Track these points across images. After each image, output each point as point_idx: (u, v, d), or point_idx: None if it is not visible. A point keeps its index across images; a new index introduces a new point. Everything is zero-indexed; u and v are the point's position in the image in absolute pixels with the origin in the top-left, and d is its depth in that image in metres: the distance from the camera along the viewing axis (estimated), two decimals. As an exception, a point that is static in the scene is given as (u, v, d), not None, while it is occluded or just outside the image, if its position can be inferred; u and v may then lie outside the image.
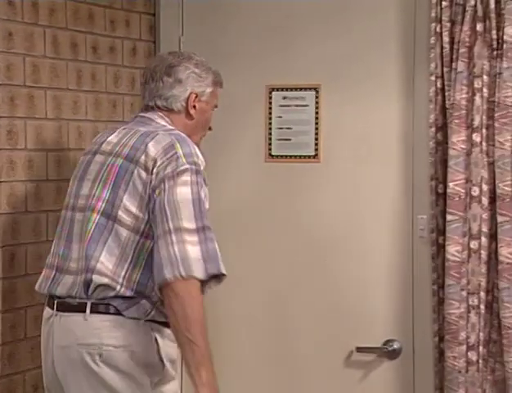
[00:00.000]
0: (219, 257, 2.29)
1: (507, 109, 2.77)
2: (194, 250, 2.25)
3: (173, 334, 2.28)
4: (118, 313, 2.32)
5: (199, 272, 2.24)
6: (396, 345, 3.02)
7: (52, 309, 2.40)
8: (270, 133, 3.17)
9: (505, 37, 2.75)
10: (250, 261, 3.18)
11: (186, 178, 2.31)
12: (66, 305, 2.37)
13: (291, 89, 3.14)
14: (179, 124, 2.48)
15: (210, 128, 2.59)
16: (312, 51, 3.11)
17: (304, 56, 3.12)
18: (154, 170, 2.33)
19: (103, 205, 2.37)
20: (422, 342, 2.98)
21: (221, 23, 3.21)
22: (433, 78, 2.89)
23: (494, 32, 2.78)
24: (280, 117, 3.16)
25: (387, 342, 3.03)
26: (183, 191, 2.29)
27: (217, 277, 2.30)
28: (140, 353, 2.32)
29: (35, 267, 2.80)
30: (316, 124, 3.12)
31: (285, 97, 3.15)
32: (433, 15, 2.88)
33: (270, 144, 3.17)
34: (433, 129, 2.91)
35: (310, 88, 3.12)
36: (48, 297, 2.44)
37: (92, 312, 2.33)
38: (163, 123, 2.47)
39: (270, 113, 3.16)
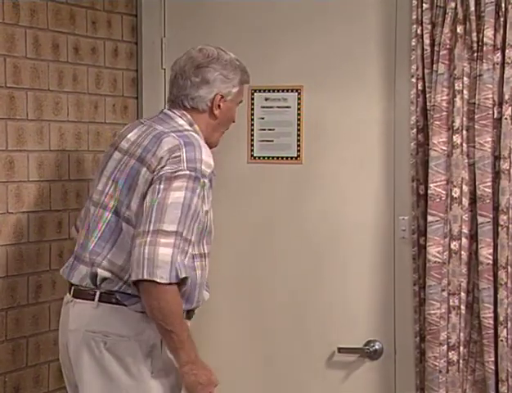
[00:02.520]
0: (185, 265, 2.33)
1: (487, 110, 2.78)
2: (165, 252, 2.31)
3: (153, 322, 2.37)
4: (124, 304, 2.42)
5: (162, 275, 2.30)
6: (377, 346, 3.04)
7: (70, 294, 2.52)
8: (252, 135, 3.18)
9: (485, 39, 2.77)
10: (232, 262, 3.18)
11: (182, 183, 2.36)
12: (80, 292, 2.48)
13: (273, 90, 3.15)
14: (201, 123, 2.54)
15: (233, 121, 2.63)
16: (294, 53, 3.11)
17: (286, 58, 3.12)
18: (157, 169, 2.40)
19: (115, 204, 2.47)
20: (403, 343, 2.99)
21: (203, 24, 3.21)
22: (414, 80, 2.90)
23: (474, 34, 2.80)
24: (263, 118, 3.17)
25: (368, 343, 3.04)
26: (176, 196, 2.35)
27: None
28: (143, 343, 2.40)
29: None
30: (298, 125, 3.13)
31: (267, 99, 3.15)
32: (413, 17, 2.89)
33: (252, 145, 3.18)
34: (415, 131, 2.92)
35: (292, 90, 3.13)
36: (68, 283, 2.54)
37: (100, 301, 2.44)
38: (182, 122, 2.52)
39: (252, 114, 3.16)
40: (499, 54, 2.78)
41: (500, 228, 2.77)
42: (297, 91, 3.12)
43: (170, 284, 2.30)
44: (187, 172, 2.37)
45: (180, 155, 2.39)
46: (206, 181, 2.40)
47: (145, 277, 2.29)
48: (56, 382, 2.99)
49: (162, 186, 2.36)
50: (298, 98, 3.12)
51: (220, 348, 3.19)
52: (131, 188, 2.44)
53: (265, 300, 3.15)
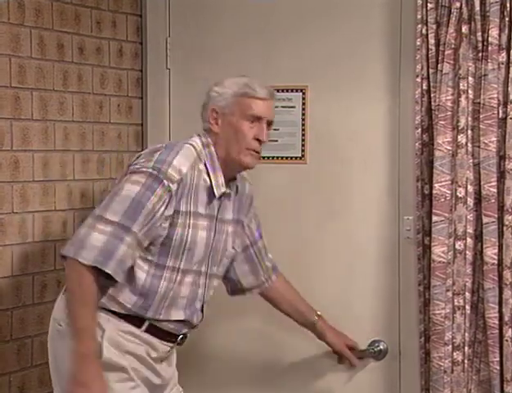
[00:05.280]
0: (116, 258, 2.35)
1: (492, 110, 2.78)
2: (98, 238, 2.35)
3: None
4: None
5: (85, 258, 2.33)
6: (382, 346, 3.03)
7: None
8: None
9: (489, 39, 2.77)
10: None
11: (141, 178, 2.40)
12: None
13: (278, 90, 3.14)
14: (214, 142, 2.53)
15: (259, 141, 2.53)
16: (298, 53, 3.11)
17: (291, 58, 3.12)
18: (130, 164, 2.50)
19: None
20: (408, 343, 2.98)
21: (208, 24, 3.21)
22: (418, 79, 2.90)
23: (479, 34, 2.80)
24: None
25: (373, 343, 3.04)
26: (129, 188, 2.40)
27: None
28: None
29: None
30: (303, 125, 3.13)
31: None
32: (418, 16, 2.89)
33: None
34: (419, 131, 2.92)
35: (297, 90, 3.13)
36: None
37: (66, 290, 2.48)
38: (194, 138, 2.53)
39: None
40: (504, 54, 2.78)
41: (505, 228, 2.77)
42: (301, 91, 3.12)
43: (89, 268, 2.33)
44: (149, 170, 2.40)
45: (154, 156, 2.44)
46: (172, 186, 2.41)
47: (71, 255, 2.34)
48: (61, 382, 2.99)
49: (125, 178, 2.43)
50: (303, 98, 3.11)
51: (222, 346, 3.19)
52: None
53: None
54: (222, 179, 2.51)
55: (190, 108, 3.23)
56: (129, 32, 3.25)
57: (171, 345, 2.55)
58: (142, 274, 2.44)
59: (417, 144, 2.92)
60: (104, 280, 2.37)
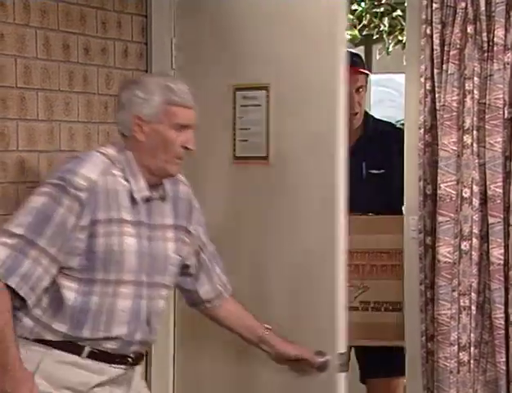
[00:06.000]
0: (20, 273, 2.25)
1: (497, 111, 2.78)
2: (0, 251, 2.25)
3: None
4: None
5: None
6: (326, 358, 2.93)
7: None
8: (235, 134, 3.02)
9: (495, 39, 2.77)
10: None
11: (45, 189, 2.32)
12: None
13: (249, 89, 2.97)
14: (134, 150, 2.40)
15: (187, 148, 2.41)
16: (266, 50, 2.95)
17: (257, 54, 2.96)
18: None
19: None
20: (410, 342, 2.98)
21: (213, 24, 3.19)
22: (422, 79, 2.89)
23: (485, 34, 2.80)
24: (242, 117, 3.00)
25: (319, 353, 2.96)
26: (34, 199, 2.32)
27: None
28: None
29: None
30: (268, 124, 2.92)
31: (244, 97, 3.00)
32: (423, 17, 2.89)
33: (234, 145, 3.01)
34: (422, 131, 2.91)
35: (260, 88, 2.93)
36: None
37: None
38: (104, 148, 2.43)
39: (235, 113, 3.01)
40: (509, 54, 2.78)
41: (510, 229, 2.77)
42: (265, 88, 2.91)
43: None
44: (54, 180, 2.32)
45: (61, 167, 2.37)
46: (80, 194, 2.30)
47: None
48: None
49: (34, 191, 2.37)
50: (267, 96, 2.90)
51: (211, 352, 3.14)
52: None
53: (264, 301, 3.08)
54: (143, 183, 2.38)
55: (195, 109, 3.23)
56: (134, 32, 3.25)
57: (123, 366, 2.40)
58: (71, 294, 2.31)
59: (420, 144, 2.92)
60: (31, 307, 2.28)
